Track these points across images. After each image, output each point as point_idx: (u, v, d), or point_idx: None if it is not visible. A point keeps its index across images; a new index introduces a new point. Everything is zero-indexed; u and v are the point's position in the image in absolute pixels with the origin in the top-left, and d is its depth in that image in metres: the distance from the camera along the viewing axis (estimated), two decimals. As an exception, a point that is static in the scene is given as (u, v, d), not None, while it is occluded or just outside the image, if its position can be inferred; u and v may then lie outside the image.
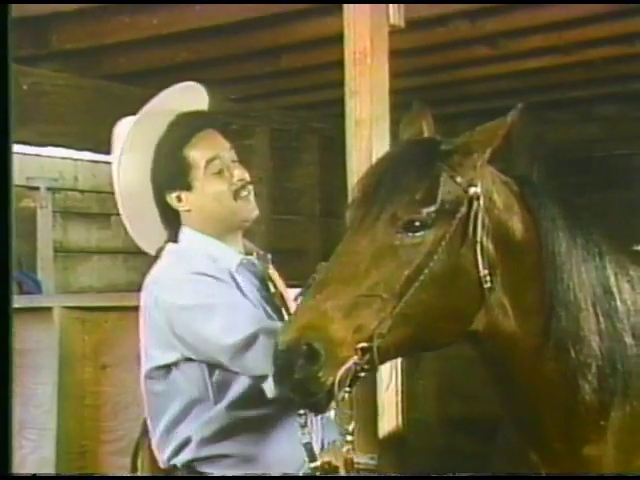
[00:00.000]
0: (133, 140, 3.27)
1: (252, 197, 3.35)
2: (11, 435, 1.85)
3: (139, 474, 3.70)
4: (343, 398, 2.79)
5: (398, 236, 2.88)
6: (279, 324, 3.05)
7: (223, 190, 3.29)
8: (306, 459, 3.20)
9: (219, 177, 3.29)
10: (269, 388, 3.02)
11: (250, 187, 3.35)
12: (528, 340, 3.08)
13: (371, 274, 2.84)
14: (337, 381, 2.74)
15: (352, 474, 3.12)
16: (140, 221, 3.36)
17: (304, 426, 3.16)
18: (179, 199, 3.29)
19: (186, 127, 3.33)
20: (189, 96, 3.46)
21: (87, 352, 5.40)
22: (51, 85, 7.63)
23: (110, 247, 8.13)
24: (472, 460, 3.98)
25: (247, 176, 3.35)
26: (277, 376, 2.81)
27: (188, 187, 3.28)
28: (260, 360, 3.02)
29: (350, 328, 2.77)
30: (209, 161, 3.28)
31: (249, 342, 3.05)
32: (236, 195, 3.30)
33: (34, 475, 5.55)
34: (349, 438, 2.99)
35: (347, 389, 2.77)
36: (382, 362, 2.94)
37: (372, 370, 2.94)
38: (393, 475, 3.33)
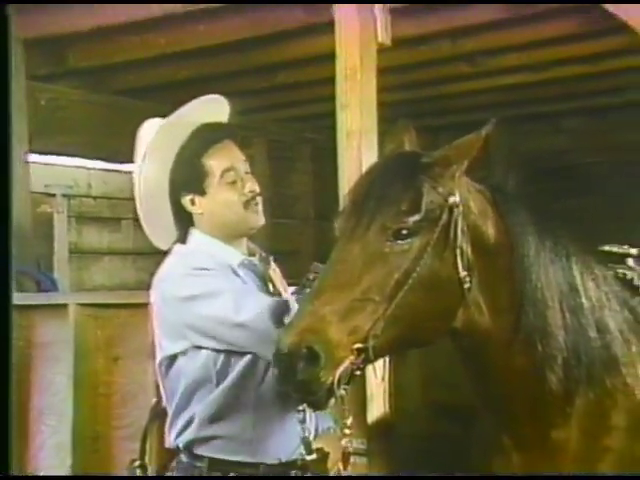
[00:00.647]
0: (157, 145, 3.25)
1: (260, 208, 3.33)
2: (11, 435, 1.81)
3: (147, 457, 3.69)
4: (341, 395, 2.78)
5: (388, 244, 2.88)
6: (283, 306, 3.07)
7: (234, 199, 3.26)
8: (303, 452, 3.18)
9: (232, 187, 3.27)
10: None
11: (259, 198, 3.32)
12: (500, 335, 3.10)
13: (364, 280, 2.84)
14: (336, 380, 2.75)
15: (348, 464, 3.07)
16: (156, 219, 3.34)
17: (303, 422, 3.16)
18: (192, 202, 3.26)
19: (206, 137, 3.30)
20: (212, 107, 3.43)
21: (100, 345, 5.36)
22: (67, 100, 7.63)
23: (120, 249, 8.11)
24: (454, 443, 3.97)
25: (257, 188, 3.32)
26: (280, 377, 2.80)
27: (202, 192, 3.25)
28: (269, 338, 2.97)
29: (346, 330, 2.78)
30: (225, 171, 3.26)
31: (260, 319, 3.04)
32: (246, 205, 3.28)
33: (34, 475, 5.55)
34: (347, 432, 2.96)
35: (344, 387, 2.77)
36: (376, 360, 2.97)
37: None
38: (393, 475, 3.26)
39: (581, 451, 3.20)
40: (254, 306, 3.07)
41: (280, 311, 3.04)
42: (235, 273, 3.23)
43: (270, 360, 2.95)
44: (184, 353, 3.19)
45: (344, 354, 2.76)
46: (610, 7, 4.37)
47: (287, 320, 2.97)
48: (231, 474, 3.17)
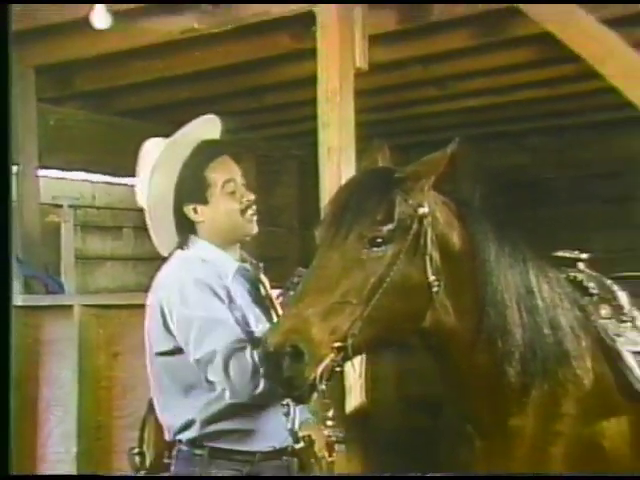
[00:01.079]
0: (163, 160, 3.26)
1: (255, 217, 3.34)
2: (11, 435, 1.79)
3: (145, 445, 3.67)
4: (322, 390, 2.80)
5: (364, 251, 2.89)
6: (238, 344, 3.04)
7: (234, 208, 3.27)
8: (291, 441, 3.19)
9: (232, 197, 3.28)
10: (227, 395, 3.04)
11: (254, 208, 3.34)
12: (464, 334, 3.11)
13: (342, 284, 2.85)
14: (318, 376, 2.76)
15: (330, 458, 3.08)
16: (160, 227, 3.33)
17: (287, 414, 3.12)
18: (195, 211, 3.26)
19: (208, 153, 3.32)
20: (209, 126, 3.46)
21: (101, 343, 5.36)
22: (73, 120, 7.64)
23: (122, 255, 8.09)
24: (424, 432, 3.98)
25: (253, 198, 3.33)
26: (267, 374, 2.82)
27: (205, 201, 3.26)
28: (217, 374, 3.02)
29: (327, 330, 2.79)
30: (225, 182, 3.27)
31: (210, 358, 3.03)
32: (243, 213, 3.28)
33: (34, 475, 5.52)
34: (330, 423, 2.97)
35: (325, 382, 2.78)
36: (354, 357, 2.98)
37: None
38: (392, 475, 3.28)
39: (536, 436, 3.22)
40: (214, 344, 3.03)
41: (231, 352, 3.01)
42: (226, 285, 3.20)
43: (224, 391, 3.03)
44: (172, 353, 3.18)
45: (325, 352, 2.77)
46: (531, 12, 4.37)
47: (241, 360, 2.98)
48: (232, 468, 3.15)
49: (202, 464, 3.15)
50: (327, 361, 2.77)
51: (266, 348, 2.77)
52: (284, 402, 3.07)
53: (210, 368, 3.05)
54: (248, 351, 3.00)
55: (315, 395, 2.84)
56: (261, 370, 2.89)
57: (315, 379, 2.76)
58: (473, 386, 3.20)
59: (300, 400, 2.95)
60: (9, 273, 1.95)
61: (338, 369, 2.84)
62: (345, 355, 2.84)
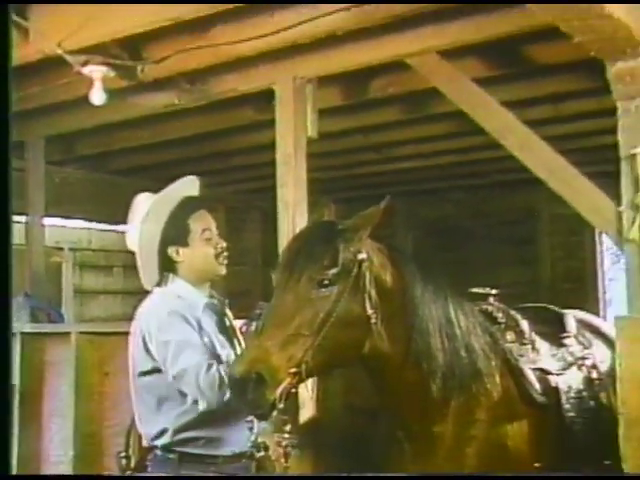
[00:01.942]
0: (153, 211, 3.29)
1: (225, 261, 3.36)
2: (11, 435, 1.75)
3: (130, 450, 3.64)
4: (281, 408, 2.81)
5: (313, 291, 2.92)
6: (207, 361, 3.04)
7: (209, 252, 3.30)
8: (254, 451, 3.19)
9: (208, 243, 3.31)
10: (200, 405, 3.04)
11: (226, 254, 3.36)
12: (396, 357, 3.14)
13: (296, 319, 2.87)
14: (277, 397, 2.77)
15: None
16: (147, 266, 3.33)
17: (252, 429, 3.17)
18: (177, 252, 3.28)
19: (190, 206, 3.35)
20: (190, 185, 3.51)
21: (94, 363, 5.34)
22: (74, 178, 7.60)
23: (112, 289, 8.03)
24: (365, 435, 3.96)
25: (225, 246, 3.36)
26: (235, 397, 2.83)
27: (186, 244, 3.28)
28: (190, 386, 3.03)
29: (284, 358, 2.81)
30: (203, 230, 3.30)
31: (183, 373, 3.04)
32: (217, 257, 3.32)
33: (35, 475, 5.49)
34: (286, 436, 2.97)
35: (283, 402, 2.79)
36: (307, 379, 3.00)
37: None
38: (389, 475, 3.27)
39: (454, 439, 3.24)
40: (186, 362, 3.04)
41: (200, 367, 3.02)
42: (196, 316, 3.20)
43: (194, 404, 3.03)
44: (150, 373, 3.18)
45: (283, 377, 2.79)
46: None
47: (208, 374, 2.98)
48: (199, 469, 3.14)
49: (173, 466, 3.15)
50: (285, 384, 2.79)
51: (233, 375, 2.78)
52: (248, 419, 3.10)
53: (184, 382, 3.06)
54: (215, 367, 3.01)
55: (275, 413, 2.85)
56: (226, 382, 2.89)
57: (275, 400, 2.78)
58: (403, 399, 3.22)
59: (262, 417, 2.98)
60: (9, 305, 1.88)
61: (293, 390, 2.86)
62: (300, 379, 2.86)
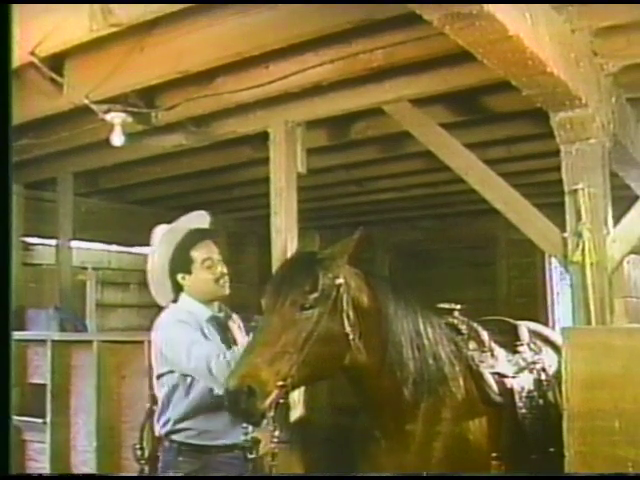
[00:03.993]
0: (163, 242, 3.33)
1: (227, 284, 3.37)
2: (11, 435, 1.67)
3: (144, 442, 3.66)
4: (271, 416, 2.80)
5: (297, 314, 2.90)
6: (214, 352, 3.07)
7: (210, 278, 3.32)
8: (248, 453, 3.19)
9: (209, 270, 3.32)
10: (216, 390, 3.05)
11: (227, 277, 3.37)
12: (373, 367, 3.12)
13: (282, 338, 2.85)
14: (267, 407, 2.76)
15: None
16: (160, 287, 3.36)
17: (247, 434, 3.17)
18: (183, 278, 3.32)
19: (193, 238, 3.36)
20: (198, 219, 3.51)
21: (113, 368, 5.31)
22: (97, 208, 7.63)
23: (128, 303, 7.97)
24: (347, 433, 3.94)
25: (225, 271, 3.37)
26: (229, 408, 2.80)
27: (189, 272, 3.31)
28: (205, 375, 3.06)
29: (273, 373, 2.79)
30: (204, 260, 3.32)
31: (197, 365, 3.07)
32: (217, 282, 3.33)
33: (35, 475, 5.49)
34: (276, 440, 2.94)
35: (273, 411, 2.79)
36: (294, 391, 3.08)
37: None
38: (393, 475, 3.22)
39: (424, 436, 3.22)
40: (198, 355, 3.07)
41: (210, 358, 3.04)
42: (201, 326, 3.24)
43: (211, 386, 3.04)
44: (165, 375, 3.23)
45: (272, 389, 2.77)
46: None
47: (217, 361, 3.00)
48: (194, 457, 3.17)
49: (174, 453, 3.18)
50: (273, 396, 2.78)
51: (227, 389, 2.77)
52: (244, 425, 3.11)
53: (198, 373, 3.09)
54: (222, 355, 3.03)
55: (265, 421, 2.83)
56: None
57: (265, 409, 2.76)
58: (379, 402, 3.21)
59: (254, 425, 2.99)
60: (8, 311, 1.82)
61: (282, 401, 2.83)
62: (287, 391, 2.85)
